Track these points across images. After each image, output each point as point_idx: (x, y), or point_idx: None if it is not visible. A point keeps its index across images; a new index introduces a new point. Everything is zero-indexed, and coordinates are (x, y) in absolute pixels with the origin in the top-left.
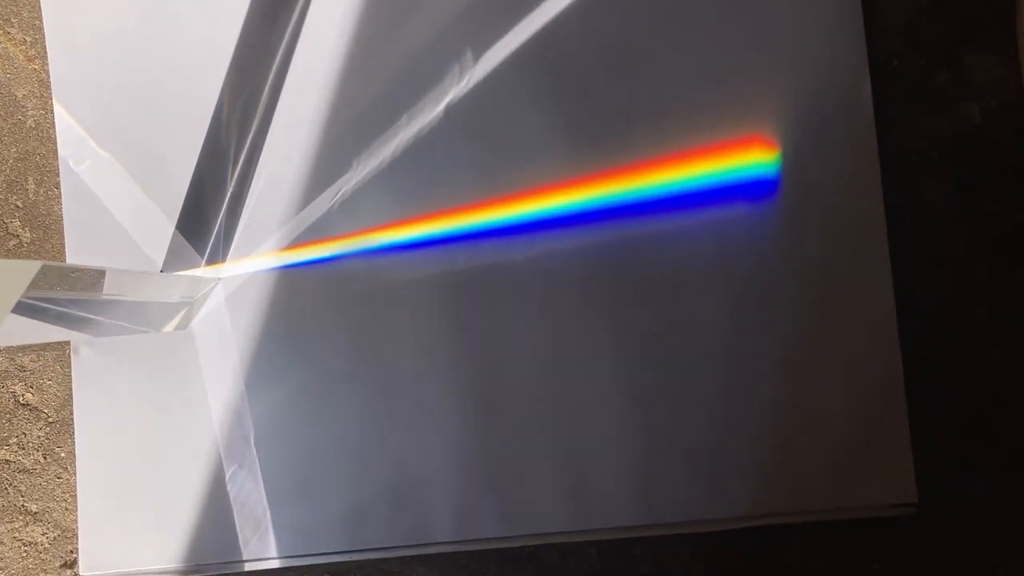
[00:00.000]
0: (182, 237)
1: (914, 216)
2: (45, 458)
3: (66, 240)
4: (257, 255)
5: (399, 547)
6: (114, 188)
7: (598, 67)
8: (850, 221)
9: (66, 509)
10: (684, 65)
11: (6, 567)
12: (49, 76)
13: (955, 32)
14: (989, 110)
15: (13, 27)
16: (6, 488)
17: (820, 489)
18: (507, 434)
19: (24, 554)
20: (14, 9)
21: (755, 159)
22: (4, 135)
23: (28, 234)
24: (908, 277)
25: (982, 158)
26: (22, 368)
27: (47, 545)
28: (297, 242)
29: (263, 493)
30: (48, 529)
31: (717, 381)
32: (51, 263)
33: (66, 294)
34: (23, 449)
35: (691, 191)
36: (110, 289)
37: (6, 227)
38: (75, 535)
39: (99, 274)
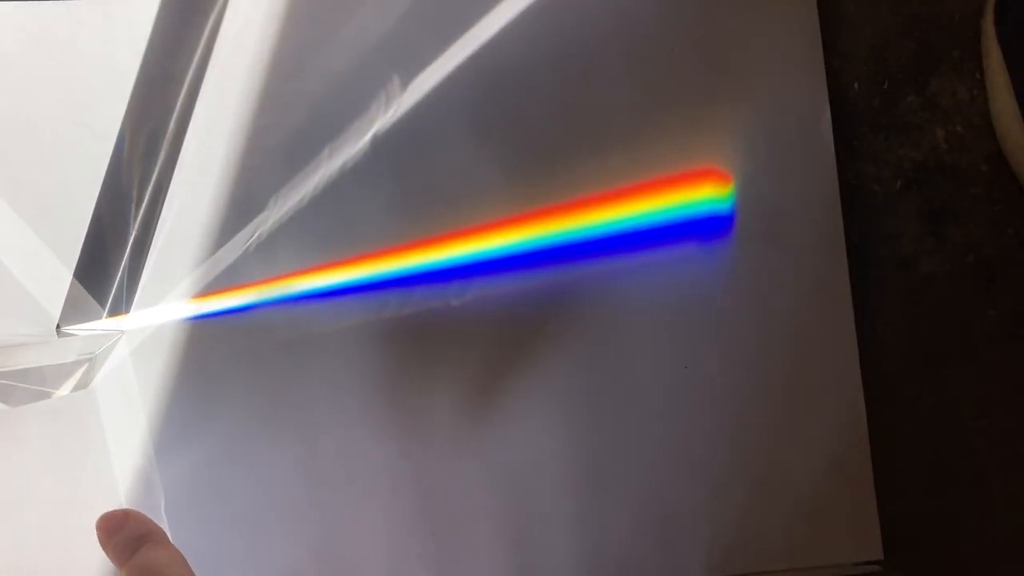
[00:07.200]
0: (80, 286)
1: (879, 250)
2: None
3: None
4: (164, 304)
5: None
6: (2, 232)
7: (537, 94)
8: (811, 258)
9: None
10: (632, 92)
11: None
12: None
13: (920, 55)
14: (955, 135)
15: None
16: None
17: (782, 547)
18: (443, 501)
19: None
20: None
21: (708, 193)
22: None
23: None
24: (873, 315)
25: (949, 186)
26: None
27: None
28: (208, 290)
29: None
30: None
31: (671, 437)
32: None
33: None
34: None
35: (639, 229)
36: None
37: None
38: None
39: None
